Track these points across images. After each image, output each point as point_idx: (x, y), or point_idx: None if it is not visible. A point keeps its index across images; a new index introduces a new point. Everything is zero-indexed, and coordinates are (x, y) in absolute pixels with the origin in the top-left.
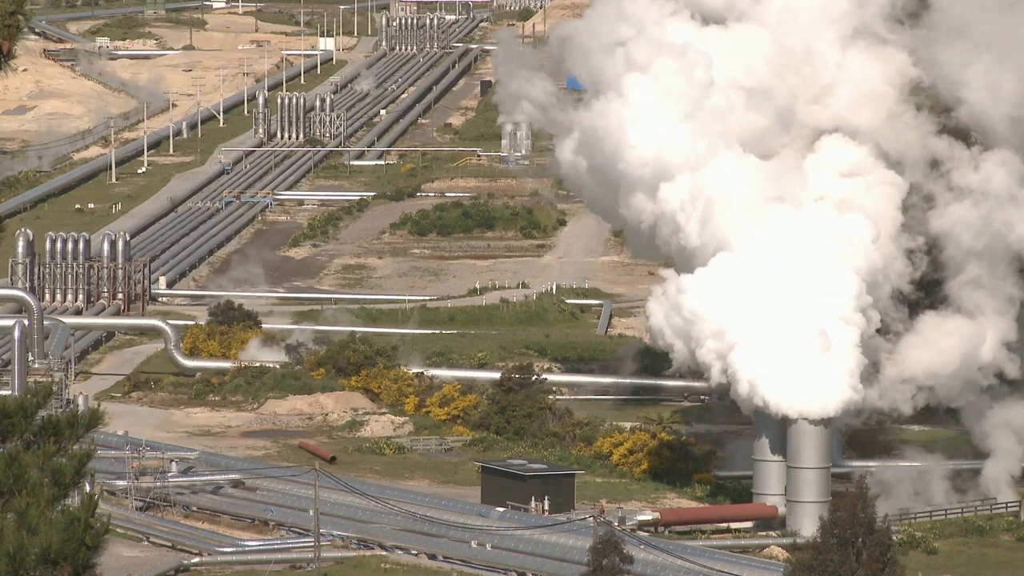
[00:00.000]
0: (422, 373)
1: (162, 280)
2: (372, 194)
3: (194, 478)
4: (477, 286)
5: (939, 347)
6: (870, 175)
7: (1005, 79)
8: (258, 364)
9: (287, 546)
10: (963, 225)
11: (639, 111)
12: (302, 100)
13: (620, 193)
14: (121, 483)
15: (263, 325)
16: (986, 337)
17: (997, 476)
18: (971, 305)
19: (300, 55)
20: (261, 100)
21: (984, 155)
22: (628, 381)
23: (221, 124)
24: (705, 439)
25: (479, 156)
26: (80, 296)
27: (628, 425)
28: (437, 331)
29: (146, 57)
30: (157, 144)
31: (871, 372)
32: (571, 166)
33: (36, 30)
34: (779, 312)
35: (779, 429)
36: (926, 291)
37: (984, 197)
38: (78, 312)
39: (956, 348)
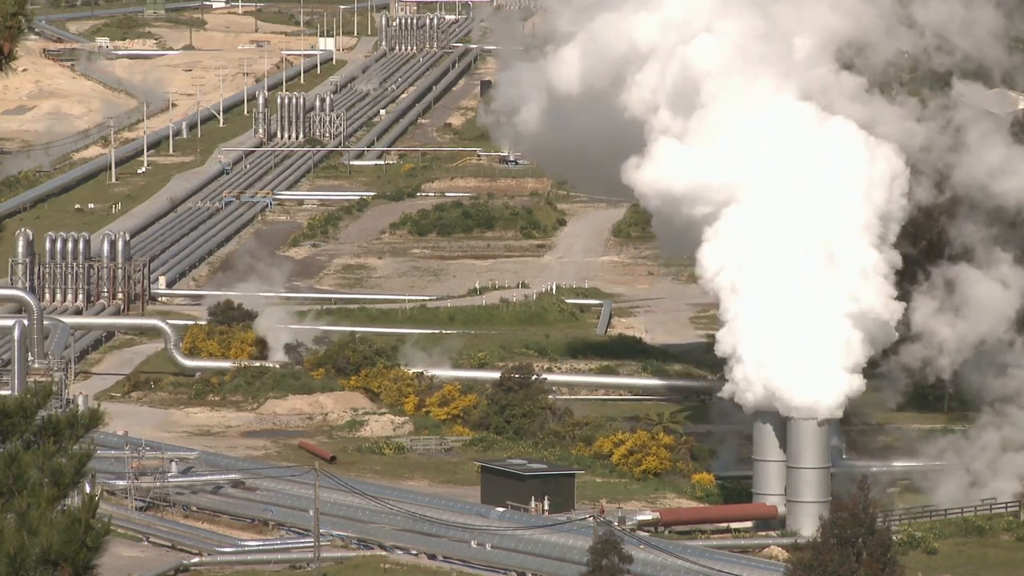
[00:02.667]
0: (422, 373)
1: (162, 280)
2: (372, 194)
3: (194, 478)
4: (477, 286)
5: (959, 319)
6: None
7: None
8: (258, 364)
9: (287, 546)
10: (969, 183)
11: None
12: (302, 100)
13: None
14: (121, 483)
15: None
16: (1010, 302)
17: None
18: (991, 272)
19: (300, 55)
20: (261, 100)
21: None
22: (629, 381)
23: (221, 124)
24: (705, 439)
25: (479, 156)
26: (80, 296)
27: (620, 419)
28: (437, 331)
29: (146, 57)
30: (157, 144)
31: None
32: (538, 130)
33: (36, 30)
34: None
35: (779, 429)
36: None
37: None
38: (78, 312)
39: (980, 318)
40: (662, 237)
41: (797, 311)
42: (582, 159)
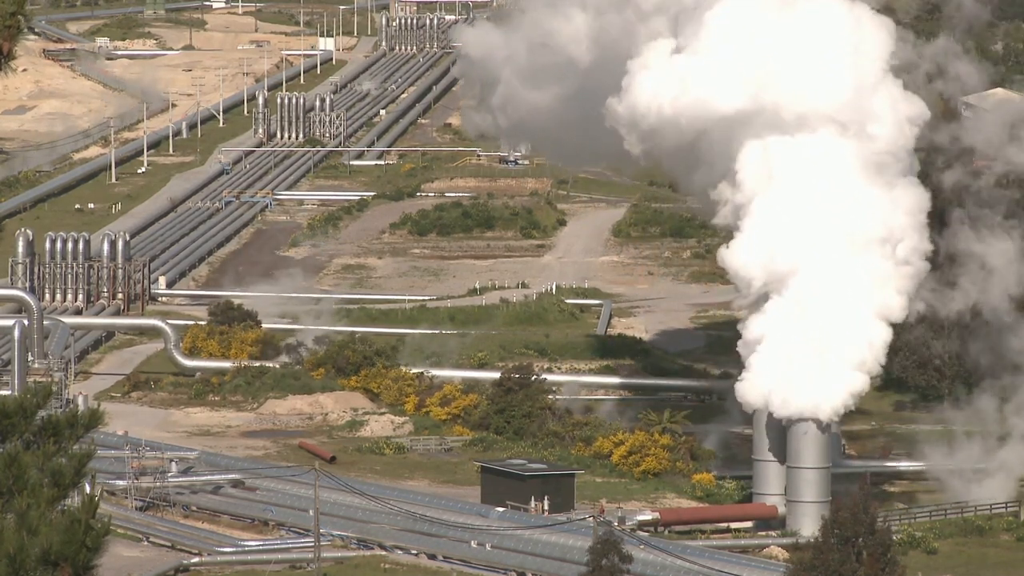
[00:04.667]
0: (422, 373)
1: (162, 280)
2: (372, 194)
3: (194, 478)
4: (477, 286)
5: (963, 287)
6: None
7: None
8: (258, 364)
9: (287, 546)
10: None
11: None
12: (302, 100)
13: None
14: (121, 483)
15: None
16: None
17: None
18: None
19: (300, 55)
20: (261, 100)
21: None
22: (630, 381)
23: (221, 124)
24: (705, 439)
25: (479, 156)
26: (80, 296)
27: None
28: (437, 331)
29: (146, 57)
30: (157, 144)
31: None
32: (514, 101)
33: (36, 30)
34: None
35: (779, 429)
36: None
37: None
38: (78, 312)
39: (983, 286)
40: (677, 175)
41: (804, 310)
42: (583, 130)
